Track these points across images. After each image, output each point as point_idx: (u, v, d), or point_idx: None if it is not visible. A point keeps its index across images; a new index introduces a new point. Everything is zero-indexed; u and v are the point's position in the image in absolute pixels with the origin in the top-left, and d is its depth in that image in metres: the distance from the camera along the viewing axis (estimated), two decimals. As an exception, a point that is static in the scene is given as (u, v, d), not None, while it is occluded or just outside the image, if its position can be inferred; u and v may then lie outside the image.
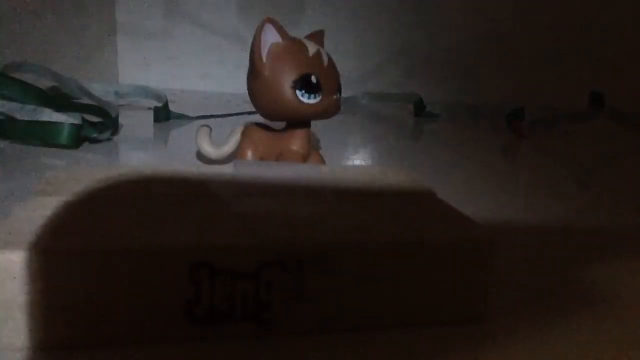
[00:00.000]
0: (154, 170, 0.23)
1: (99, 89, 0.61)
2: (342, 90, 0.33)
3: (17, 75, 0.46)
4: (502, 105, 0.74)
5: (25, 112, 0.41)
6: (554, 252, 0.27)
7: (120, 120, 0.50)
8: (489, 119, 0.75)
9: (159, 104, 0.59)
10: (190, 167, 0.25)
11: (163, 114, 0.58)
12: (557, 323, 0.19)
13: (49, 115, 0.41)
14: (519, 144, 0.61)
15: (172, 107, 0.60)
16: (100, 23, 0.77)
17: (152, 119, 0.57)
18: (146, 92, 0.64)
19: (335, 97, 0.32)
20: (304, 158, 0.33)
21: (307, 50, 0.31)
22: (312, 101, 0.31)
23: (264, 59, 0.30)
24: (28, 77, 0.48)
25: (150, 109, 0.59)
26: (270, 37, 0.31)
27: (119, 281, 0.16)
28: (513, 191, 0.40)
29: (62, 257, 0.15)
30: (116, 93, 0.63)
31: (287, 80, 0.30)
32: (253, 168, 0.25)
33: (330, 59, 0.32)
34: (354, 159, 0.48)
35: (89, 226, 0.17)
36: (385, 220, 0.19)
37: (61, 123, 0.40)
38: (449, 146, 0.60)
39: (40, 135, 0.40)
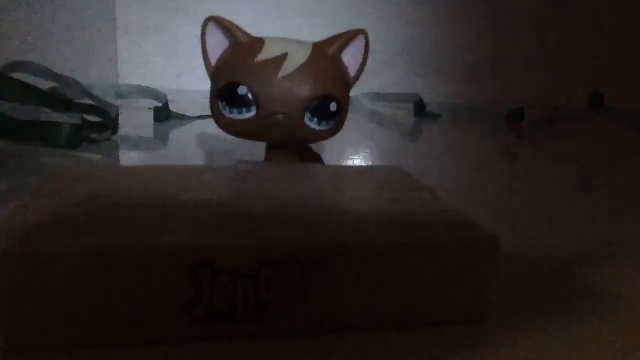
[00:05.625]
0: (154, 170, 0.23)
1: (99, 89, 0.61)
2: None
3: (17, 75, 0.46)
4: (502, 105, 0.74)
5: (25, 112, 0.41)
6: (554, 252, 0.27)
7: (120, 120, 0.50)
8: (489, 119, 0.75)
9: (159, 104, 0.59)
10: (191, 167, 0.25)
11: (163, 114, 0.58)
12: (557, 324, 0.19)
13: (49, 115, 0.41)
14: (519, 144, 0.61)
15: (172, 107, 0.60)
16: (100, 23, 0.77)
17: (152, 119, 0.57)
18: (146, 92, 0.64)
19: (279, 117, 0.25)
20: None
21: (260, 54, 0.25)
22: (238, 117, 0.25)
23: (214, 64, 0.26)
24: (28, 77, 0.48)
25: (150, 109, 0.59)
26: (219, 39, 0.26)
27: (119, 281, 0.16)
28: (513, 191, 0.40)
29: (62, 257, 0.15)
30: (116, 93, 0.63)
31: (214, 89, 0.26)
32: (253, 168, 0.25)
33: (307, 68, 0.25)
34: (354, 159, 0.48)
35: (89, 226, 0.17)
36: (385, 220, 0.19)
37: (61, 123, 0.40)
38: (448, 146, 0.60)
39: (40, 135, 0.40)
